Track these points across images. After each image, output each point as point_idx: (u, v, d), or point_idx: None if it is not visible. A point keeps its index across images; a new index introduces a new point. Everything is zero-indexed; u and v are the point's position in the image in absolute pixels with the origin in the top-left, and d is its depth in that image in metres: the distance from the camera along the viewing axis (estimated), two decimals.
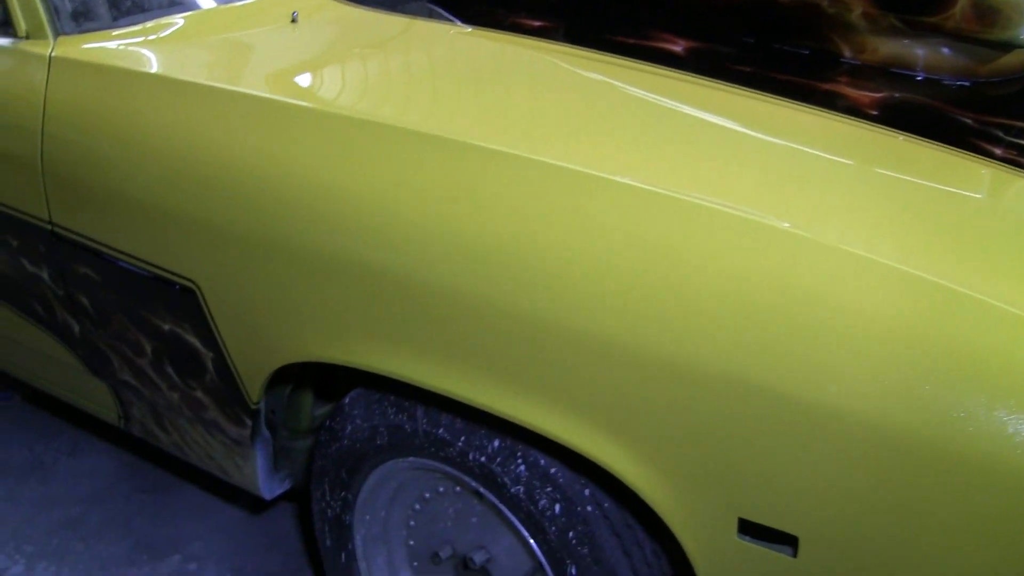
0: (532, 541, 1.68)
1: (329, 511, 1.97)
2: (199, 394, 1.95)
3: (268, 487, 2.08)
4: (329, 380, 2.06)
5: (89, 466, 2.80)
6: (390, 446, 1.78)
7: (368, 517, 1.95)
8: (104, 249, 1.91)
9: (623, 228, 1.36)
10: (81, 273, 1.99)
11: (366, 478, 1.88)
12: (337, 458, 1.88)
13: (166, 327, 1.90)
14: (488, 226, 1.45)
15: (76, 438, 2.91)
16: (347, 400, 1.86)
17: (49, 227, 1.99)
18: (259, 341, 1.76)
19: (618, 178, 1.39)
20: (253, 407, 1.87)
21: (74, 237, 1.95)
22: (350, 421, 1.84)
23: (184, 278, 1.80)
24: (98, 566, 2.44)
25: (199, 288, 1.79)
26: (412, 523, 1.94)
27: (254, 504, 2.64)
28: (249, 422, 1.91)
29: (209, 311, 1.80)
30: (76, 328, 2.10)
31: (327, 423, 1.91)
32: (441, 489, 1.85)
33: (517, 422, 1.52)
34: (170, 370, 1.97)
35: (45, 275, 2.08)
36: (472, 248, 1.46)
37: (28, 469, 2.79)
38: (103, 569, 2.43)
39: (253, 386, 1.84)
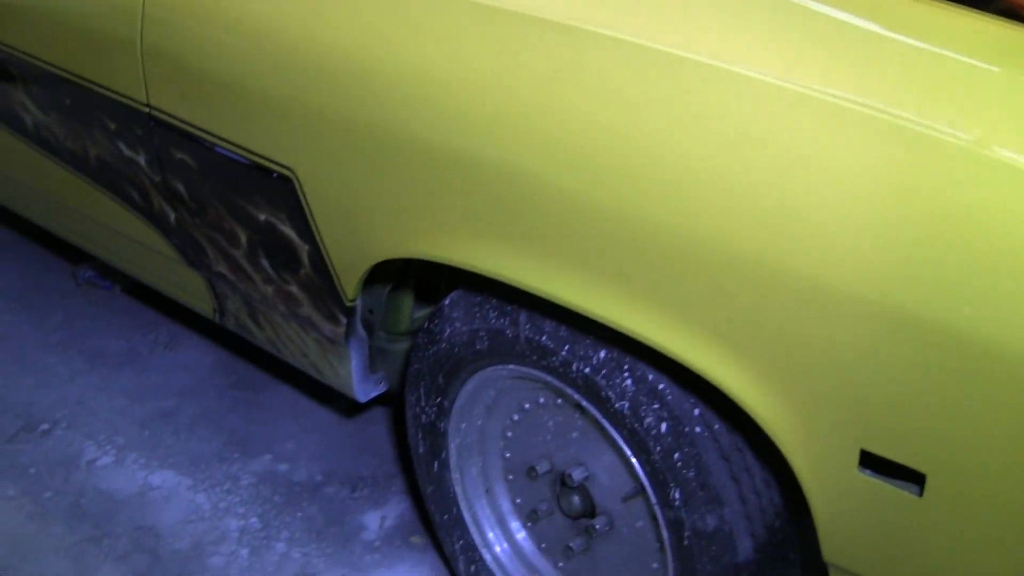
0: (635, 460, 1.60)
1: (423, 417, 1.91)
2: (293, 288, 1.90)
3: (362, 389, 2.03)
4: (431, 280, 1.99)
5: (185, 360, 2.79)
6: (490, 352, 1.71)
7: (464, 425, 1.88)
8: (201, 134, 1.84)
9: (760, 128, 1.24)
10: (177, 159, 1.93)
11: (463, 384, 1.81)
12: (434, 362, 1.81)
13: (262, 217, 1.84)
14: (602, 122, 1.34)
15: (174, 331, 2.90)
16: (447, 302, 1.79)
17: (147, 110, 1.94)
18: (357, 234, 1.69)
19: (747, 71, 1.26)
20: (348, 304, 1.81)
21: (171, 121, 1.89)
22: (449, 324, 1.76)
23: (281, 165, 1.73)
24: (188, 461, 2.43)
25: (296, 176, 1.72)
26: (509, 434, 1.86)
27: (348, 406, 2.60)
28: (344, 320, 1.85)
29: (306, 201, 1.73)
30: (172, 216, 2.06)
31: (425, 325, 1.84)
32: (541, 400, 1.77)
33: (626, 332, 1.43)
34: (264, 262, 1.92)
35: (142, 160, 2.03)
36: (584, 145, 1.35)
37: (124, 359, 2.79)
38: (193, 464, 2.42)
39: (349, 282, 1.77)
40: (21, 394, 2.64)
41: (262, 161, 1.76)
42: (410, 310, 2.01)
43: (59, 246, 3.24)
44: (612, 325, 1.43)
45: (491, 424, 1.87)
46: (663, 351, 1.39)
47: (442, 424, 1.89)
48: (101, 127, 2.07)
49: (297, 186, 1.72)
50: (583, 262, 1.41)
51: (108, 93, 2.00)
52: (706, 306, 1.33)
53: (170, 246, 2.14)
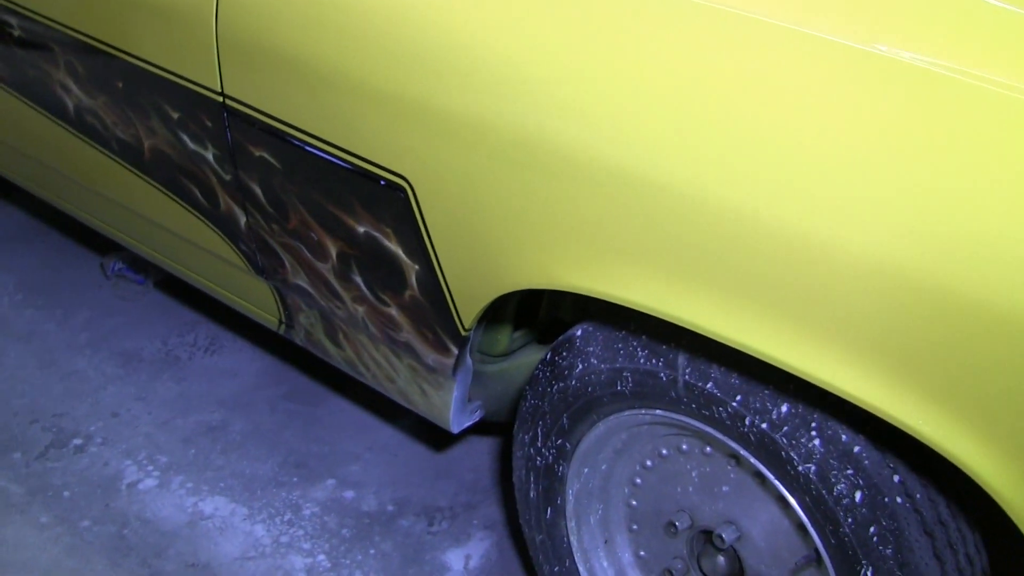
0: (814, 530, 1.38)
1: (539, 459, 1.70)
2: (393, 311, 1.67)
3: (458, 420, 1.81)
4: (531, 299, 1.77)
5: (229, 366, 2.56)
6: (634, 394, 1.49)
7: (587, 470, 1.68)
8: (289, 131, 1.61)
9: None
10: (256, 157, 1.70)
11: (593, 427, 1.61)
12: (559, 400, 1.60)
13: (360, 229, 1.61)
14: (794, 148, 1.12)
15: (214, 333, 2.67)
16: (579, 333, 1.57)
17: (220, 99, 1.70)
18: (485, 258, 1.47)
19: None
20: (464, 334, 1.58)
21: (252, 114, 1.66)
22: (582, 360, 1.55)
23: (393, 173, 1.50)
24: (241, 485, 2.21)
25: (411, 186, 1.49)
26: (639, 481, 1.66)
27: (417, 424, 2.38)
28: (455, 350, 1.63)
29: (421, 215, 1.50)
30: (242, 220, 1.83)
31: (548, 357, 1.62)
32: (684, 447, 1.56)
33: (820, 384, 1.21)
34: (358, 279, 1.69)
35: (209, 155, 1.79)
36: (800, 174, 1.13)
37: (162, 364, 2.56)
38: (247, 489, 2.20)
39: (468, 310, 1.55)
40: (49, 403, 2.41)
41: (368, 167, 1.53)
42: (509, 331, 1.79)
43: (83, 234, 2.99)
44: (804, 375, 1.21)
45: (618, 469, 1.67)
46: (870, 408, 1.18)
47: (561, 468, 1.68)
48: (160, 116, 1.84)
49: (411, 198, 1.50)
50: (775, 304, 1.20)
51: (171, 77, 1.77)
52: (931, 359, 1.11)
53: (235, 251, 1.91)
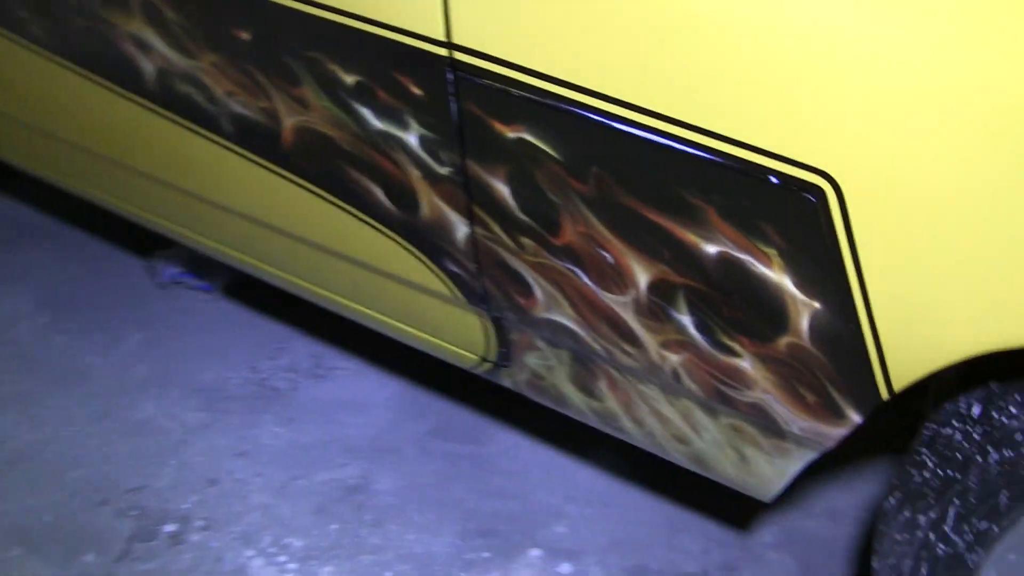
0: None
1: (941, 547, 1.21)
2: (744, 363, 1.14)
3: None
4: None
5: (349, 397, 1.99)
6: None
7: (1013, 557, 1.20)
8: (593, 102, 1.05)
9: None
10: (509, 140, 1.14)
11: None
12: (1000, 474, 1.12)
13: (711, 250, 1.06)
14: None
15: (315, 352, 2.09)
16: None
17: (444, 53, 1.14)
18: (971, 294, 0.94)
19: None
20: (882, 399, 1.06)
21: (508, 74, 1.10)
22: None
23: (801, 166, 0.96)
24: (417, 571, 1.65)
25: (835, 185, 0.95)
26: None
27: (624, 460, 1.84)
28: (855, 419, 1.10)
29: (848, 229, 0.96)
30: (461, 231, 1.26)
31: (982, 414, 1.15)
32: None
33: None
34: (686, 320, 1.15)
35: (412, 138, 1.23)
36: None
37: (258, 401, 1.98)
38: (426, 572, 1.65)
39: (901, 369, 1.02)
40: (117, 473, 1.82)
41: (753, 156, 0.99)
42: None
43: (107, 229, 2.37)
44: None
45: None
46: None
47: (974, 557, 1.19)
48: (322, 81, 1.26)
49: (828, 203, 0.96)
50: None
51: (346, 22, 1.20)
52: None
53: (434, 272, 1.36)
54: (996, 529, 1.19)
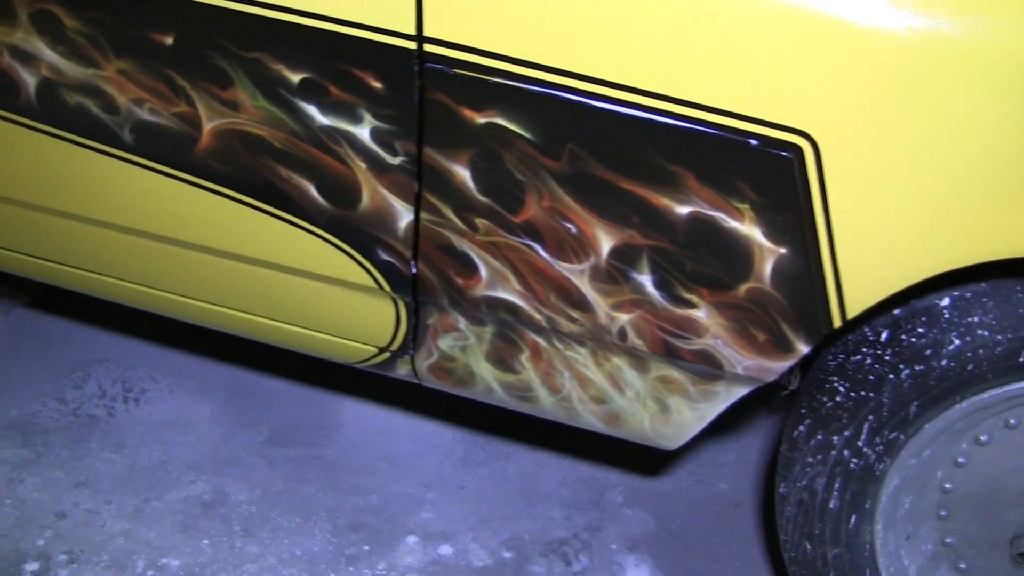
0: None
1: (854, 461, 1.43)
2: (699, 313, 1.30)
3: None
4: None
5: (171, 415, 2.00)
6: None
7: (913, 462, 1.44)
8: (569, 82, 1.19)
9: None
10: (478, 125, 1.25)
11: (945, 411, 1.36)
12: (912, 387, 1.34)
13: (682, 211, 1.23)
14: None
15: (120, 375, 2.03)
16: (945, 303, 1.33)
17: (412, 46, 1.23)
18: (924, 226, 1.17)
19: None
20: (834, 328, 1.27)
21: (484, 63, 1.21)
22: (957, 335, 1.30)
23: (781, 127, 1.15)
24: (307, 573, 1.69)
25: (813, 144, 1.14)
26: (962, 460, 1.43)
27: (448, 439, 1.96)
28: (803, 349, 1.30)
29: (821, 183, 1.16)
30: (405, 220, 1.35)
31: (890, 337, 1.37)
32: None
33: None
34: (644, 278, 1.30)
35: (363, 132, 1.30)
36: None
37: (79, 431, 1.91)
38: None
39: (859, 297, 1.23)
40: None
41: (731, 122, 1.16)
42: None
43: None
44: None
45: (941, 452, 1.44)
46: None
47: (882, 466, 1.43)
48: (260, 82, 1.31)
49: (806, 161, 1.15)
50: None
51: (299, 20, 1.27)
52: None
53: (361, 265, 1.42)
54: (903, 438, 1.40)
